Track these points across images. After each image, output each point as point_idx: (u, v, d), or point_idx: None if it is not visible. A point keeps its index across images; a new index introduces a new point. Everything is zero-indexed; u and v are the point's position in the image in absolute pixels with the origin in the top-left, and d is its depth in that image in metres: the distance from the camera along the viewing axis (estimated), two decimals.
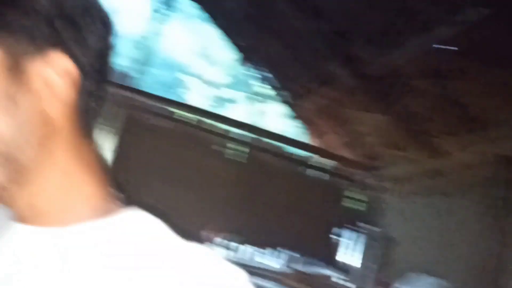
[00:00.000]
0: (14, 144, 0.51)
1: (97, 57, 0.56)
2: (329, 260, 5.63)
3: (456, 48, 3.48)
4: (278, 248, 5.43)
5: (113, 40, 0.59)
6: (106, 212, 0.56)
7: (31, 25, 0.51)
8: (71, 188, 0.56)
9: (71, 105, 0.54)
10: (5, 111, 0.50)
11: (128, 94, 4.96)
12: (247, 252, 5.34)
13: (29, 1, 0.51)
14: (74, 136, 0.56)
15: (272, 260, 5.35)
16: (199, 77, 20.88)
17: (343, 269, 5.49)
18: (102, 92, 0.59)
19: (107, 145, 4.72)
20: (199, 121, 5.29)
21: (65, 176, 0.56)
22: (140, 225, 0.56)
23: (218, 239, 5.11)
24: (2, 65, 0.50)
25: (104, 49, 0.57)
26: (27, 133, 0.52)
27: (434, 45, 3.56)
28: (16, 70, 0.51)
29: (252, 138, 5.63)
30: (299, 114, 6.28)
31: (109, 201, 0.58)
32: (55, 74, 0.52)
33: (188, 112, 5.33)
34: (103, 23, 0.57)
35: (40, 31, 0.52)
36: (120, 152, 4.63)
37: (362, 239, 5.58)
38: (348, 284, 5.15)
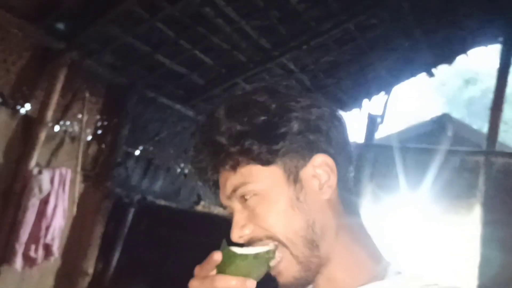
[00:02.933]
0: (309, 227, 0.71)
1: (341, 147, 0.76)
2: None
3: None
4: None
5: (348, 132, 0.79)
6: (380, 276, 0.71)
7: (292, 146, 0.72)
8: (354, 261, 0.74)
9: (335, 184, 0.74)
10: (297, 210, 0.71)
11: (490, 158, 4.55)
12: None
13: (285, 128, 0.71)
14: (344, 209, 0.75)
15: None
16: None
17: None
18: (351, 171, 0.78)
19: (472, 216, 4.37)
20: None
21: (348, 252, 0.74)
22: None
23: None
24: (282, 180, 0.72)
25: (345, 140, 0.77)
26: (314, 217, 0.72)
27: None
28: (295, 179, 0.72)
29: None
30: None
31: (381, 268, 0.73)
32: (317, 169, 0.73)
33: None
34: (339, 121, 0.77)
35: (301, 147, 0.72)
36: (486, 222, 4.18)
37: None
38: None
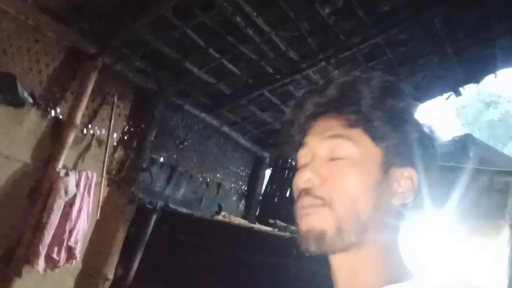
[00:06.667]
0: (368, 212, 0.73)
1: (433, 174, 0.79)
2: None
3: None
4: None
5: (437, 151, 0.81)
6: (404, 278, 0.72)
7: (400, 146, 0.76)
8: (382, 260, 0.75)
9: (405, 201, 0.77)
10: (374, 191, 0.74)
11: None
12: None
13: (407, 126, 0.77)
14: (395, 223, 0.77)
15: None
16: None
17: None
18: (424, 195, 0.79)
19: (500, 237, 4.26)
20: None
21: (381, 250, 0.75)
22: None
23: None
24: (378, 163, 0.76)
25: (437, 169, 0.80)
26: (379, 208, 0.74)
27: None
28: (386, 170, 0.76)
29: None
30: None
31: (406, 270, 0.74)
32: (403, 179, 0.77)
33: None
34: (436, 148, 0.80)
35: (405, 151, 0.77)
36: None
37: None
38: None
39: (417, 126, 0.79)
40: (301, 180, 0.75)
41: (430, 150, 0.80)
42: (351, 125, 0.76)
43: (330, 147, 0.77)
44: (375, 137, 0.76)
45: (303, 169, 0.76)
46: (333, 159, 0.76)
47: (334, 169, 0.75)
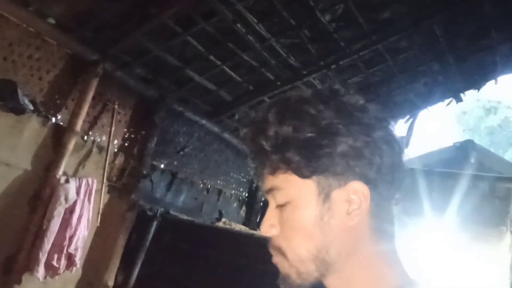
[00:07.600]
0: (323, 249, 0.74)
1: (385, 173, 0.75)
2: None
3: None
4: None
5: (402, 154, 0.79)
6: (406, 286, 0.73)
7: (331, 167, 0.73)
8: (370, 275, 0.75)
9: (366, 212, 0.75)
10: (317, 229, 0.74)
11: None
12: None
13: (328, 149, 0.72)
14: (372, 235, 0.76)
15: None
16: None
17: None
18: (394, 197, 0.78)
19: (502, 244, 4.24)
20: None
21: (365, 267, 0.75)
22: None
23: None
24: (315, 194, 0.74)
25: (392, 166, 0.76)
26: (332, 240, 0.74)
27: None
28: (325, 198, 0.74)
29: None
30: None
31: (408, 279, 0.74)
32: (351, 194, 0.74)
33: None
34: (389, 146, 0.76)
35: (339, 170, 0.73)
36: None
37: None
38: None
39: (338, 141, 0.73)
40: (262, 232, 0.79)
41: (368, 149, 0.74)
42: (274, 174, 0.77)
43: (273, 198, 0.79)
44: (299, 174, 0.74)
45: (263, 221, 0.80)
46: (279, 206, 0.78)
47: (282, 217, 0.77)
